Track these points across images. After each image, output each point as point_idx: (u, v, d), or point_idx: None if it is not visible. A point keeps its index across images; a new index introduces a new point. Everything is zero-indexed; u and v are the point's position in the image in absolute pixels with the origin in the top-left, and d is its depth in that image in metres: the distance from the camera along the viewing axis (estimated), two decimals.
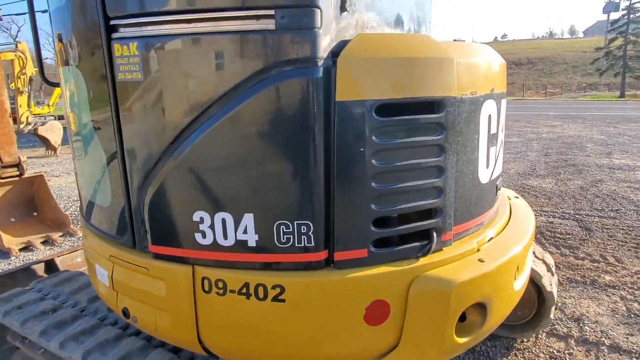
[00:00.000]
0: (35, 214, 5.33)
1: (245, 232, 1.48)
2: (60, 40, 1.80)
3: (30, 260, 4.01)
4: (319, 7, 1.31)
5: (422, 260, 1.58)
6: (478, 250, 1.74)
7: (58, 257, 3.72)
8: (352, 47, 1.39)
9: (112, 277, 1.80)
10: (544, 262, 2.97)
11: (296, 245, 1.47)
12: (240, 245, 1.50)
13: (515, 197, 2.49)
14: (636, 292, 3.51)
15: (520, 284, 1.89)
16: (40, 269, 3.58)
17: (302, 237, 1.46)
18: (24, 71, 11.34)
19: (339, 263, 1.50)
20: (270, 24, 1.30)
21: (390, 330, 1.54)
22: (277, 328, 1.53)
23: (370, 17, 1.63)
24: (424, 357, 1.60)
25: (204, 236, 1.52)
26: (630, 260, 4.13)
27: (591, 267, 4.02)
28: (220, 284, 1.53)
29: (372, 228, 1.49)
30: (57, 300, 2.40)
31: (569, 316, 3.18)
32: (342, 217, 1.47)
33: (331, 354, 1.57)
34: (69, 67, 1.77)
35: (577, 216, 5.46)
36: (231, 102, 1.38)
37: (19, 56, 11.33)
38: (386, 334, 1.55)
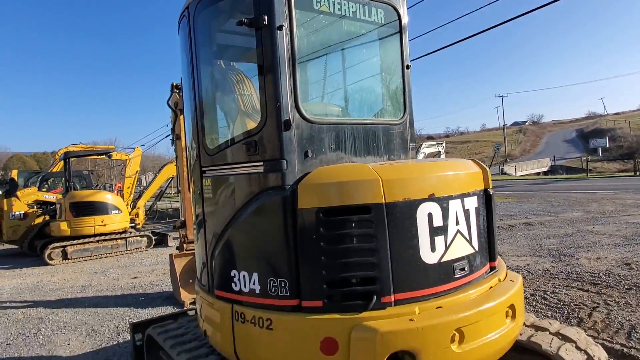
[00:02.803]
0: None
1: (254, 284, 2.52)
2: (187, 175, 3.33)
3: (190, 307, 5.72)
4: (285, 159, 2.41)
5: (364, 314, 2.31)
6: (418, 313, 2.34)
7: None
8: (309, 178, 2.41)
9: (200, 310, 3.03)
10: (586, 353, 3.01)
11: (279, 294, 2.43)
12: (252, 292, 2.53)
13: (511, 280, 2.84)
14: None
15: (466, 348, 2.33)
16: (192, 312, 5.17)
17: (282, 289, 2.42)
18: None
19: (304, 309, 2.37)
20: (261, 169, 2.46)
21: None
22: (269, 346, 2.45)
23: (339, 154, 2.63)
24: None
25: (235, 285, 2.62)
26: None
27: None
28: (243, 316, 2.56)
29: (324, 286, 2.34)
30: (184, 329, 3.77)
31: None
32: (306, 278, 2.37)
33: None
34: (193, 190, 3.25)
35: None
36: (246, 208, 2.53)
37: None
38: None
